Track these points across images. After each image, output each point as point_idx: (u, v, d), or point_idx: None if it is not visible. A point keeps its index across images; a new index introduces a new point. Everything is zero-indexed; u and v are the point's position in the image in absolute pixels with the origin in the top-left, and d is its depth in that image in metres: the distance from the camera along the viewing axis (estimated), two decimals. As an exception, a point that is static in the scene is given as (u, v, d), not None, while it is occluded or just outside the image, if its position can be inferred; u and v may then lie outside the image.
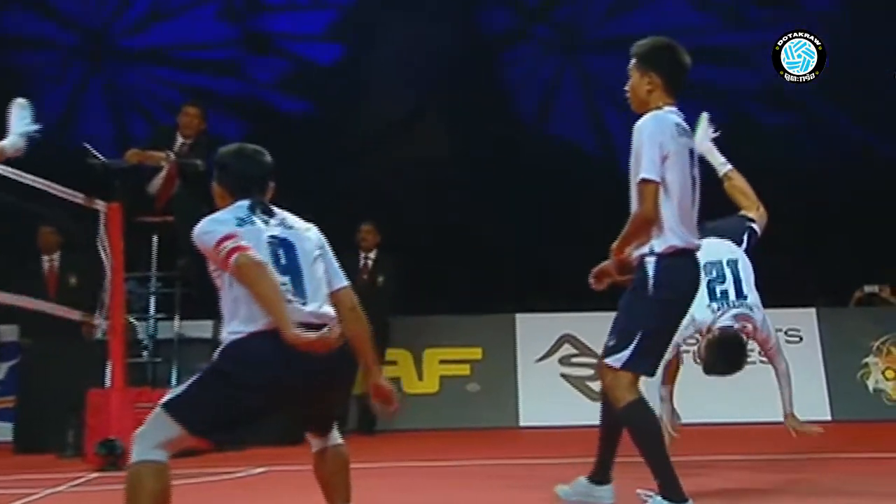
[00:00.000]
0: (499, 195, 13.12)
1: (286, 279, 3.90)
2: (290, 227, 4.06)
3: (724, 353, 5.80)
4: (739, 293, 5.92)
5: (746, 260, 6.12)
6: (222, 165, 4.18)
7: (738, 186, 6.57)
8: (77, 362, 8.35)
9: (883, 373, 9.85)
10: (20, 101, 6.31)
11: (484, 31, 14.24)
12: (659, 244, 4.73)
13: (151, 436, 3.81)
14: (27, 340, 9.32)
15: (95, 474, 6.82)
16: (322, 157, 12.94)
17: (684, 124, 4.86)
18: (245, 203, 4.05)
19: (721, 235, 6.23)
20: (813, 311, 10.16)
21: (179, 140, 8.78)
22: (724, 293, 5.92)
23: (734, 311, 5.91)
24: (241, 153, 4.18)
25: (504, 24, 14.35)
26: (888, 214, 12.84)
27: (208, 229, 3.91)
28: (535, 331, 10.09)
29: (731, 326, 5.86)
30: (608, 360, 4.77)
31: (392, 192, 13.01)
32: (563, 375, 9.81)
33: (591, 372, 9.57)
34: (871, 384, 9.82)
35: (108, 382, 7.45)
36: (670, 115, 4.80)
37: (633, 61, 4.91)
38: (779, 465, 6.61)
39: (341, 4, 14.09)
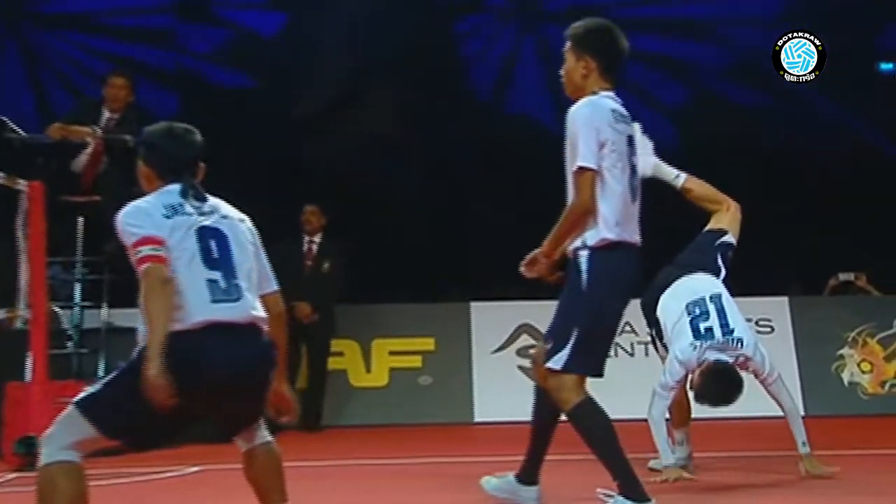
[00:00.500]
0: (452, 175, 13.11)
1: (217, 274, 3.89)
2: (224, 217, 4.05)
3: (716, 385, 5.85)
4: (725, 328, 5.98)
5: (726, 292, 6.17)
6: (150, 145, 4.15)
7: (700, 194, 6.62)
8: (-6, 354, 8.22)
9: (858, 365, 9.95)
10: None
11: (436, 0, 14.19)
12: (592, 237, 4.78)
13: (62, 436, 3.80)
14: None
15: (13, 475, 6.73)
16: (262, 133, 12.83)
17: (622, 110, 4.89)
18: (176, 188, 4.02)
19: (696, 270, 6.28)
20: (785, 300, 10.25)
21: (106, 114, 8.67)
22: (710, 330, 5.99)
23: (722, 346, 5.95)
24: (170, 133, 4.15)
25: (458, -8, 14.32)
26: (865, 198, 12.98)
27: (132, 223, 3.89)
28: (490, 320, 10.09)
29: (726, 361, 5.90)
30: (548, 364, 4.83)
31: (338, 171, 12.94)
32: (520, 368, 9.80)
33: (550, 364, 9.60)
34: (845, 377, 9.92)
35: (28, 376, 7.35)
36: (606, 100, 4.84)
37: (567, 44, 4.96)
38: (747, 463, 6.68)
39: (284, -31, 13.99)
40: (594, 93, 4.84)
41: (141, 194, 4.09)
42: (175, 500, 6.06)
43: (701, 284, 6.19)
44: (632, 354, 9.96)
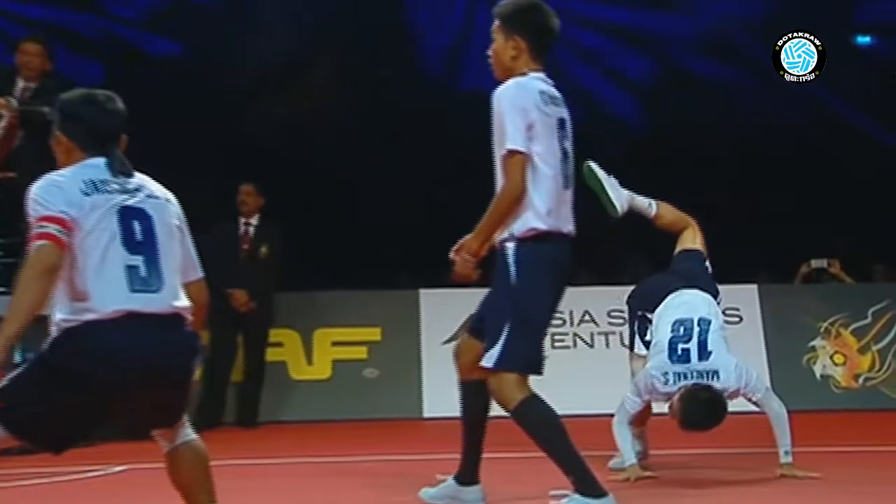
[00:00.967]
0: (400, 154, 13.06)
1: (138, 259, 3.84)
2: (150, 197, 3.98)
3: (698, 412, 5.87)
4: (702, 353, 6.02)
5: (720, 319, 6.25)
6: (70, 115, 4.07)
7: (670, 220, 6.73)
8: None
9: (831, 357, 10.05)
10: None
11: (383, -36, 14.14)
12: (519, 226, 4.83)
13: None
14: None
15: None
16: (194, 107, 12.74)
17: (553, 91, 4.96)
18: (100, 162, 3.95)
19: (696, 286, 6.37)
20: (754, 287, 10.32)
21: (21, 84, 8.53)
22: (686, 352, 6.04)
23: (695, 374, 5.99)
24: (91, 100, 4.07)
25: (407, -42, 14.28)
26: (840, 179, 13.11)
27: (42, 198, 3.82)
28: (441, 309, 10.07)
29: (706, 385, 5.95)
30: (483, 363, 4.88)
31: (276, 148, 12.85)
32: (473, 360, 9.82)
33: (505, 356, 9.62)
34: (818, 370, 10.01)
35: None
36: (535, 81, 4.91)
37: (496, 23, 5.01)
38: (717, 460, 6.73)
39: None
40: (523, 74, 4.92)
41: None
42: (98, 500, 6.01)
43: (698, 305, 6.28)
44: (591, 345, 10.00)
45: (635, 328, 6.58)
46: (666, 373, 6.00)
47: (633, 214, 6.54)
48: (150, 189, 4.00)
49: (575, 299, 10.10)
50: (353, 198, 12.93)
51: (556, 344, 9.90)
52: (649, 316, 6.38)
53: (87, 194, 3.83)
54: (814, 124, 13.76)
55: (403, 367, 9.88)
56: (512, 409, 4.84)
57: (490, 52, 5.03)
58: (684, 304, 6.26)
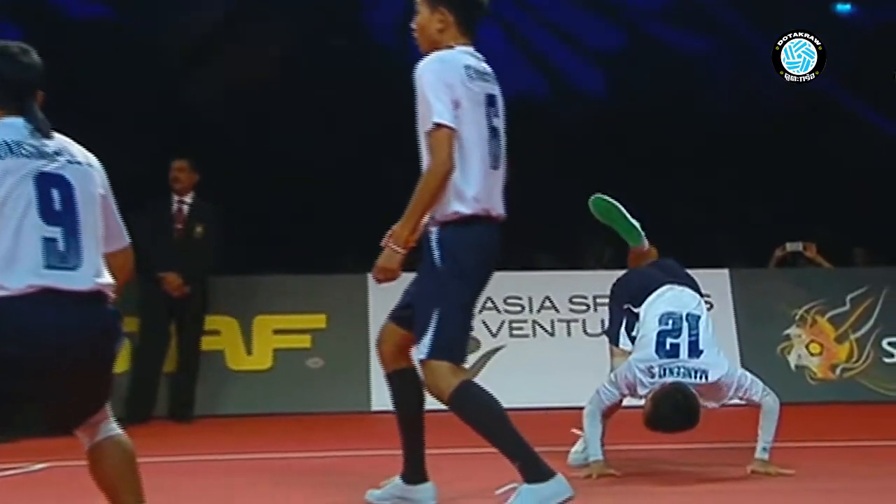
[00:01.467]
0: (346, 128, 13.03)
1: (56, 231, 3.79)
2: (71, 161, 3.92)
3: (669, 413, 5.91)
4: (693, 351, 6.08)
5: (708, 318, 6.34)
6: None
7: (646, 255, 6.89)
8: None
9: (807, 347, 10.13)
10: None
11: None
12: (442, 210, 4.89)
13: None
14: None
15: None
16: (122, 75, 12.63)
17: (482, 66, 5.04)
18: (18, 121, 3.89)
19: (684, 284, 6.49)
20: (726, 272, 10.39)
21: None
22: (675, 347, 6.10)
23: (684, 368, 6.04)
24: (3, 53, 3.99)
25: None
26: (816, 158, 13.21)
27: None
28: (390, 294, 9.81)
29: (682, 384, 5.98)
30: (415, 356, 4.98)
31: (212, 120, 12.79)
32: (425, 349, 9.83)
33: (459, 345, 9.65)
34: (792, 360, 10.09)
35: None
36: (461, 55, 4.99)
37: None
38: (685, 455, 6.78)
39: None
40: (450, 47, 4.99)
41: None
42: (18, 500, 5.95)
43: (686, 299, 6.38)
44: (551, 334, 10.02)
45: (621, 322, 6.60)
46: (651, 367, 6.05)
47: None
48: (70, 153, 3.93)
49: (534, 284, 10.18)
50: (296, 174, 12.88)
51: (514, 332, 9.94)
52: (635, 310, 6.42)
53: (0, 157, 3.78)
54: (790, 100, 13.85)
55: (350, 357, 9.87)
56: (448, 399, 4.89)
57: (414, 25, 5.10)
58: (674, 298, 6.35)
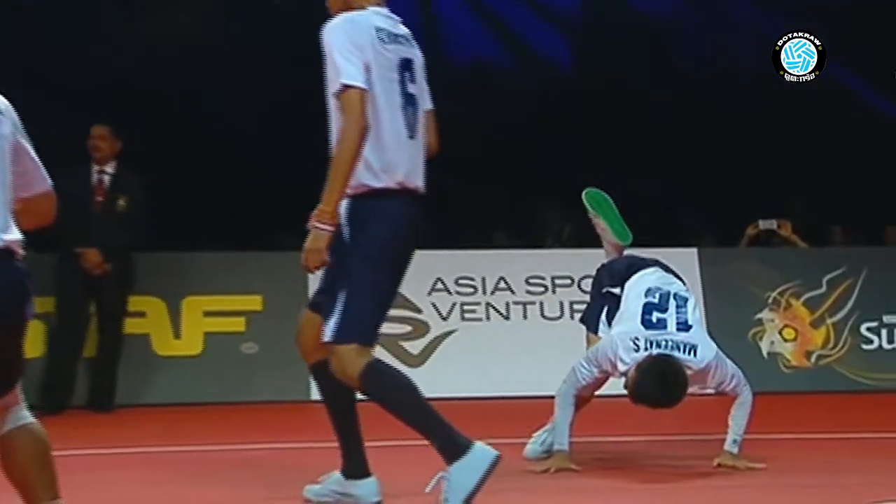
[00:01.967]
0: (284, 95, 12.96)
1: None
2: None
3: (655, 384, 5.91)
4: (681, 326, 6.12)
5: (696, 305, 6.42)
6: None
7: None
8: None
9: (780, 332, 10.18)
10: None
11: None
12: (351, 183, 4.88)
13: None
14: None
15: None
16: (36, 34, 12.49)
17: (397, 29, 5.08)
18: None
19: (671, 273, 6.58)
20: (694, 251, 10.42)
21: None
22: (662, 321, 6.13)
23: (672, 341, 6.05)
24: None
25: None
26: (791, 131, 13.27)
27: None
28: (332, 274, 10.05)
29: (669, 354, 6.00)
30: (322, 339, 4.99)
31: (134, 83, 12.69)
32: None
33: (407, 329, 9.68)
34: (764, 346, 10.15)
35: None
36: (372, 16, 5.02)
37: None
38: (652, 448, 6.81)
39: None
40: (362, 7, 5.02)
41: None
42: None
43: (673, 281, 6.46)
44: (506, 317, 10.01)
45: (601, 309, 6.60)
46: (636, 338, 6.04)
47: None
48: None
49: (488, 264, 10.17)
50: (230, 143, 12.82)
51: (466, 316, 9.93)
52: (616, 292, 6.43)
53: None
54: (765, 69, 13.91)
55: (288, 342, 9.58)
56: (358, 379, 4.91)
57: None
58: (661, 277, 6.42)
